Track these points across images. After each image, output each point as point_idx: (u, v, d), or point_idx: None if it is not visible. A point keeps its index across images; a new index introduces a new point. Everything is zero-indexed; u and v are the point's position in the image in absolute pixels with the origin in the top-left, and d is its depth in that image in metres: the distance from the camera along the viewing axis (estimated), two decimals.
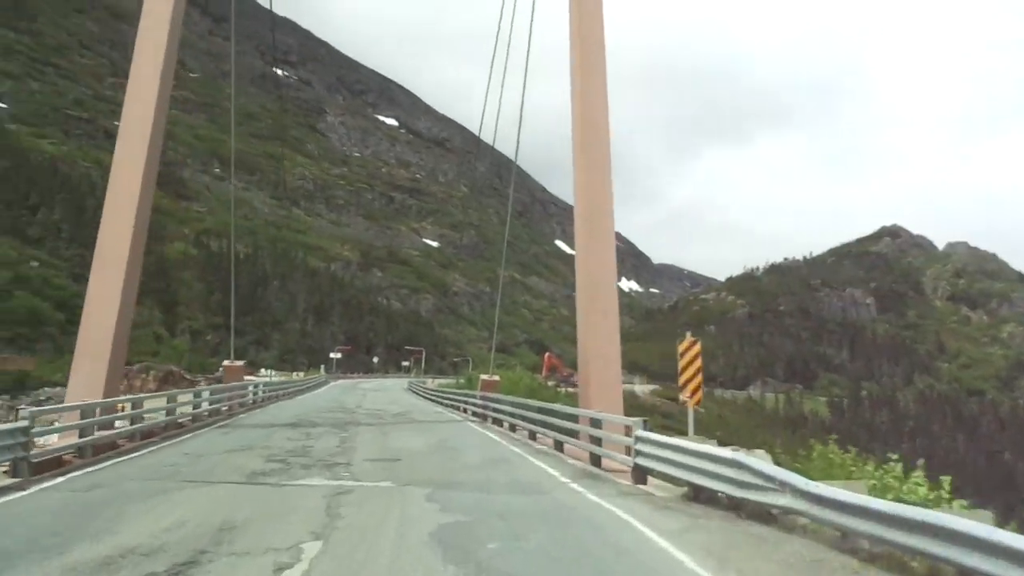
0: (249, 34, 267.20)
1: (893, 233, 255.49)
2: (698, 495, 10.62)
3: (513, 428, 22.02)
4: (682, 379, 17.79)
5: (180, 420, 20.82)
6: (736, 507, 9.60)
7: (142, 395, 21.62)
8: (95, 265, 19.29)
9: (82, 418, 13.60)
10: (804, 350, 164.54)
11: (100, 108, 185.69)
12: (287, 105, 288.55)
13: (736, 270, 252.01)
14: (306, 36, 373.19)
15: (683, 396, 17.76)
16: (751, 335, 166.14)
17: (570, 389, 68.80)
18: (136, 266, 19.92)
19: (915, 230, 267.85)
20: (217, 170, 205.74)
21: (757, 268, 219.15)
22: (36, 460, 11.88)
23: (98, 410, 14.65)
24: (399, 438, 19.45)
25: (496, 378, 34.66)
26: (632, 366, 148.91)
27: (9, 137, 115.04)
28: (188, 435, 18.63)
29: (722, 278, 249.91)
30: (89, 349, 18.03)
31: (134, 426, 16.31)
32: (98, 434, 14.13)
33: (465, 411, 32.30)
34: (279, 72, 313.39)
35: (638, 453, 12.34)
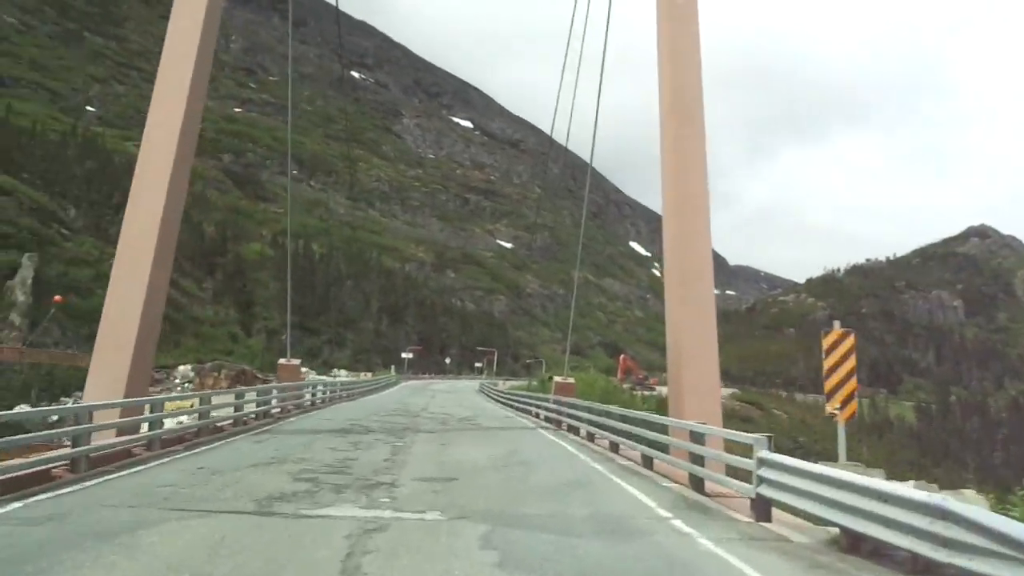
0: (327, 38, 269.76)
1: (981, 233, 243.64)
2: (857, 544, 7.67)
3: (591, 437, 19.18)
4: (829, 383, 13.65)
5: (220, 424, 18.62)
6: (926, 570, 6.61)
7: (163, 396, 19.28)
8: (118, 258, 17.21)
9: (77, 423, 11.28)
10: (888, 354, 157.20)
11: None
12: (364, 108, 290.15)
13: (814, 272, 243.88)
14: (383, 39, 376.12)
15: (830, 407, 13.66)
16: None
17: (646, 392, 65.60)
18: (166, 259, 17.75)
19: (1004, 230, 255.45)
20: (295, 172, 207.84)
21: (838, 269, 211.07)
22: (12, 476, 9.64)
23: (96, 415, 12.30)
24: (461, 448, 16.97)
25: (571, 381, 32.17)
26: None
27: (96, 139, 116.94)
28: (219, 443, 16.23)
29: (799, 280, 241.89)
30: (109, 345, 15.91)
31: (152, 432, 14.03)
32: (97, 443, 11.81)
33: (537, 416, 29.97)
34: (355, 75, 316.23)
35: (762, 480, 9.43)
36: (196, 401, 17.56)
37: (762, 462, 9.52)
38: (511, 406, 39.36)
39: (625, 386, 60.28)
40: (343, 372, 67.87)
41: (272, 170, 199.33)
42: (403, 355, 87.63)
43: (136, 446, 13.45)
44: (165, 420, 16.13)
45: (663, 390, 78.03)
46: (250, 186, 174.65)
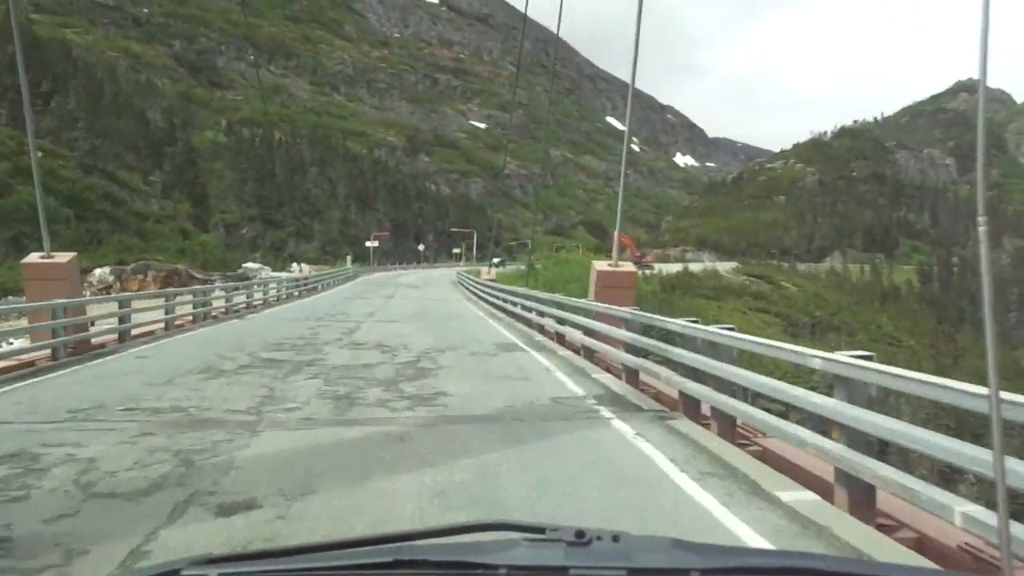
0: None
1: (969, 88, 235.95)
2: None
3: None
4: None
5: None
6: None
7: None
8: None
9: None
10: (882, 217, 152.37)
11: None
12: None
13: (796, 141, 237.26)
14: None
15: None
16: (824, 204, 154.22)
17: (647, 271, 59.99)
18: None
19: (992, 84, 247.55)
20: (252, 56, 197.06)
21: (825, 133, 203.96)
22: None
23: None
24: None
25: (627, 268, 17.00)
26: (700, 242, 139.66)
27: (21, 22, 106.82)
28: None
29: (779, 150, 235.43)
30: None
31: None
32: None
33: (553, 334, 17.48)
34: None
35: None
36: None
37: None
38: (510, 311, 24.74)
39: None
40: (304, 266, 61.78)
41: (228, 56, 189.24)
42: (368, 243, 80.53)
43: None
44: None
45: (662, 268, 72.55)
46: (204, 73, 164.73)
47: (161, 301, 20.21)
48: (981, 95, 3.35)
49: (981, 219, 2.91)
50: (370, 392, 10.23)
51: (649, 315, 11.48)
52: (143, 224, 68.93)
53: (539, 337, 18.29)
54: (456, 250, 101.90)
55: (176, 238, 70.69)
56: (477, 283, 40.38)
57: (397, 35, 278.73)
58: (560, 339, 16.73)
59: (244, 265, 45.36)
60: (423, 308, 29.99)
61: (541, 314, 19.05)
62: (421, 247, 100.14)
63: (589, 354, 13.83)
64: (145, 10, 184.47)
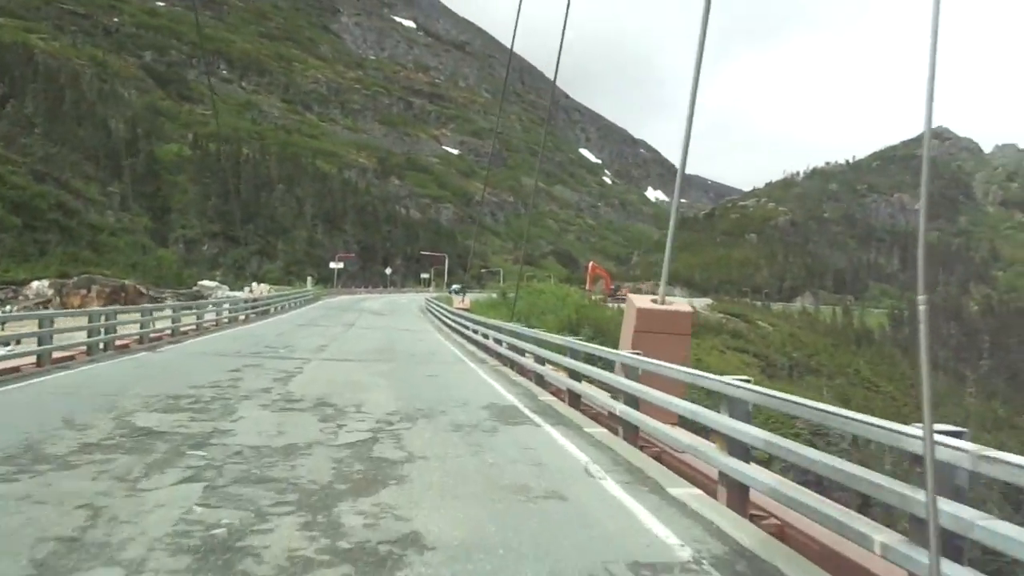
0: None
1: (939, 135, 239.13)
2: None
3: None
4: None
5: None
6: None
7: None
8: None
9: None
10: (853, 259, 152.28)
11: (99, 3, 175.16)
12: (298, 4, 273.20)
13: (766, 181, 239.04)
14: None
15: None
16: (796, 244, 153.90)
17: (621, 305, 57.85)
18: None
19: (961, 132, 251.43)
20: (224, 71, 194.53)
21: (797, 173, 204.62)
22: None
23: None
24: None
25: (684, 306, 12.47)
26: (675, 278, 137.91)
27: None
28: None
29: (748, 189, 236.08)
30: None
31: None
32: None
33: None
34: None
35: None
36: None
37: None
38: (493, 351, 20.62)
39: (595, 297, 52.19)
40: (262, 286, 58.69)
41: (199, 69, 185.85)
42: (332, 264, 77.09)
43: None
44: None
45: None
46: (173, 85, 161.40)
47: (83, 321, 16.98)
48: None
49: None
50: (276, 534, 5.28)
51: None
52: (96, 236, 65.68)
53: (544, 396, 13.71)
54: (425, 275, 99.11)
55: (132, 252, 67.49)
56: (450, 313, 36.28)
57: (373, 57, 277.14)
58: (574, 400, 12.54)
59: (199, 283, 42.46)
60: (388, 342, 25.27)
61: (542, 360, 14.93)
62: (388, 271, 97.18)
63: (631, 433, 9.52)
64: (116, 19, 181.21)
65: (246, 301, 35.47)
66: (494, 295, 53.55)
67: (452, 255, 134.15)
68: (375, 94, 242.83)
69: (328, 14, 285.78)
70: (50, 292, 31.71)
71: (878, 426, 4.73)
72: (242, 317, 33.01)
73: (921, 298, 3.41)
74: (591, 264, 70.50)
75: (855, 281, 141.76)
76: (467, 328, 27.29)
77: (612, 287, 66.72)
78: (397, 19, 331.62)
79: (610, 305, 53.39)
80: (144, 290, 36.98)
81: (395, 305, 59.99)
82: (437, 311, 42.67)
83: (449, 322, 34.32)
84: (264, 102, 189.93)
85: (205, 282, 43.20)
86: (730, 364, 45.97)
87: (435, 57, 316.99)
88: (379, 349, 22.36)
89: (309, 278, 63.71)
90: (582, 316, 38.00)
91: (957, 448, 4.05)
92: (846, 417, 5.05)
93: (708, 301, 76.50)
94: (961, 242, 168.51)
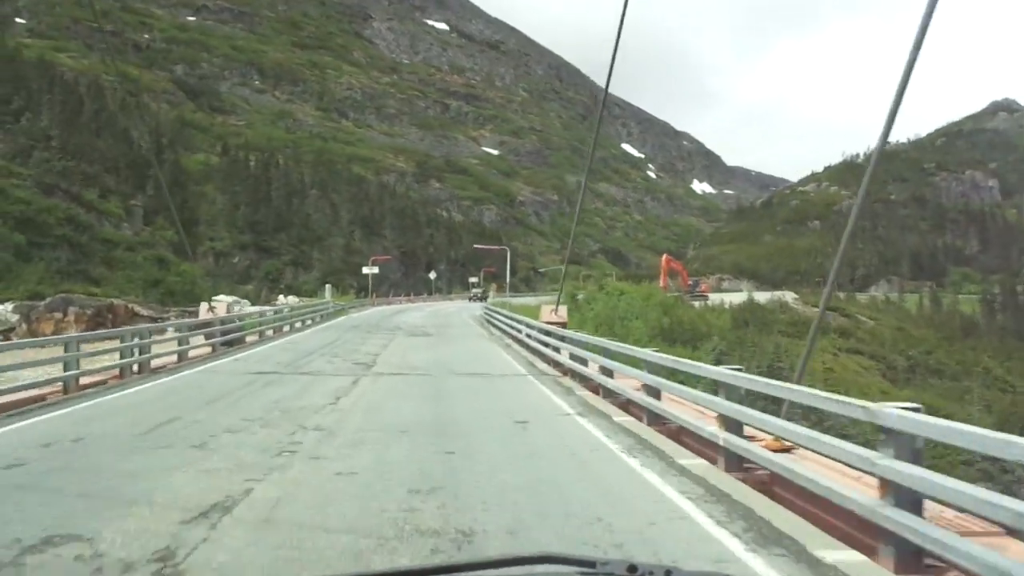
0: None
1: (1007, 107, 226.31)
2: None
3: None
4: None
5: None
6: None
7: None
8: None
9: None
10: (927, 242, 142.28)
11: (128, 20, 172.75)
12: (330, 11, 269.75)
13: (815, 169, 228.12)
14: None
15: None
16: (864, 229, 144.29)
17: (700, 302, 50.22)
18: None
19: (1000, 97, 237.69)
20: (257, 82, 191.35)
21: (857, 155, 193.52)
22: None
23: None
24: None
25: None
26: (738, 270, 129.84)
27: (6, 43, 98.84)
28: None
29: (796, 179, 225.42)
30: None
31: None
32: None
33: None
34: None
35: None
36: None
37: None
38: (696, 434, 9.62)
39: (671, 294, 44.71)
40: (291, 299, 51.98)
41: (232, 81, 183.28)
42: (364, 269, 68.95)
43: None
44: None
45: (723, 298, 62.44)
46: (205, 97, 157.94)
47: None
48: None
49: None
50: None
51: None
52: (112, 252, 59.97)
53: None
54: (473, 279, 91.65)
55: (151, 268, 61.63)
56: (542, 332, 21.18)
57: (407, 61, 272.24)
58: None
59: (214, 298, 36.18)
60: (449, 416, 11.81)
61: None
62: (433, 275, 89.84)
63: None
64: (146, 36, 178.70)
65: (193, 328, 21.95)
66: (543, 297, 46.07)
67: (496, 257, 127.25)
68: (411, 98, 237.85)
69: (360, 20, 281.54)
70: (14, 318, 25.21)
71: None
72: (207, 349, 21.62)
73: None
74: (665, 257, 62.85)
75: (932, 265, 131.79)
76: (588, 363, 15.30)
77: (690, 283, 58.94)
78: (429, 22, 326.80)
79: (694, 304, 46.06)
80: (140, 310, 30.36)
81: (443, 317, 47.98)
82: (503, 323, 30.78)
83: (544, 349, 20.34)
84: (299, 111, 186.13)
85: (221, 297, 36.67)
86: (847, 369, 38.78)
87: (469, 58, 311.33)
88: (431, 456, 8.75)
89: (328, 286, 53.51)
90: (674, 320, 30.72)
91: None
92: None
93: (793, 295, 68.28)
94: None
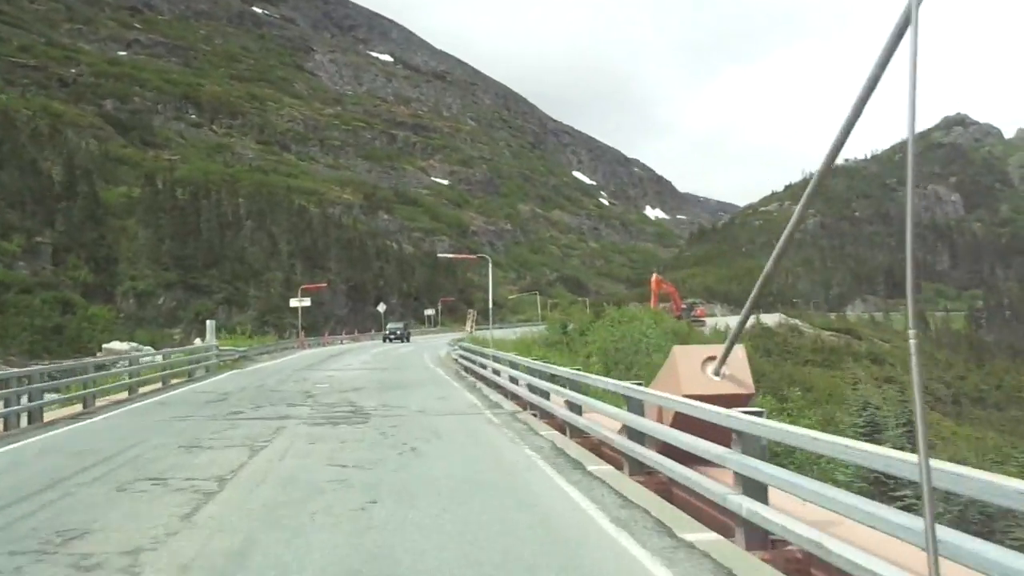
0: None
1: (960, 122, 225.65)
2: None
3: None
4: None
5: None
6: None
7: None
8: None
9: None
10: (898, 259, 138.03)
11: (53, 55, 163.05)
12: (270, 45, 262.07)
13: (766, 194, 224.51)
14: None
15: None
16: (832, 248, 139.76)
17: (699, 328, 43.08)
18: None
19: (979, 119, 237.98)
20: (193, 116, 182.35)
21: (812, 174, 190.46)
22: None
23: None
24: None
25: None
26: (708, 293, 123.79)
27: None
28: None
29: (745, 204, 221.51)
30: None
31: None
32: None
33: None
34: (257, 10, 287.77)
35: None
36: None
37: None
38: None
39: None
40: (209, 340, 43.64)
41: (166, 115, 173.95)
42: (293, 302, 59.08)
43: None
44: None
45: (722, 322, 55.40)
46: (136, 132, 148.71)
47: None
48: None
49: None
50: None
51: None
52: (3, 296, 51.11)
53: None
54: (429, 312, 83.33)
55: (52, 313, 52.78)
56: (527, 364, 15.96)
57: (351, 92, 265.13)
58: None
59: (104, 346, 28.22)
60: None
61: None
62: (382, 307, 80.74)
63: None
64: (72, 70, 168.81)
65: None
66: (529, 329, 38.14)
67: (451, 289, 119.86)
68: (356, 129, 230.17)
69: (301, 53, 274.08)
70: None
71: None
72: None
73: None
74: (655, 278, 55.40)
75: (905, 281, 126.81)
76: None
77: (683, 306, 51.71)
78: (373, 54, 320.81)
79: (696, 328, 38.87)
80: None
81: (393, 363, 35.38)
82: (521, 382, 17.34)
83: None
84: (237, 144, 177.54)
85: (114, 344, 28.73)
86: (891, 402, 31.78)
87: (415, 88, 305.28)
88: None
89: (210, 323, 36.58)
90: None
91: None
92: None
93: (779, 317, 61.45)
94: (1006, 231, 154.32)
